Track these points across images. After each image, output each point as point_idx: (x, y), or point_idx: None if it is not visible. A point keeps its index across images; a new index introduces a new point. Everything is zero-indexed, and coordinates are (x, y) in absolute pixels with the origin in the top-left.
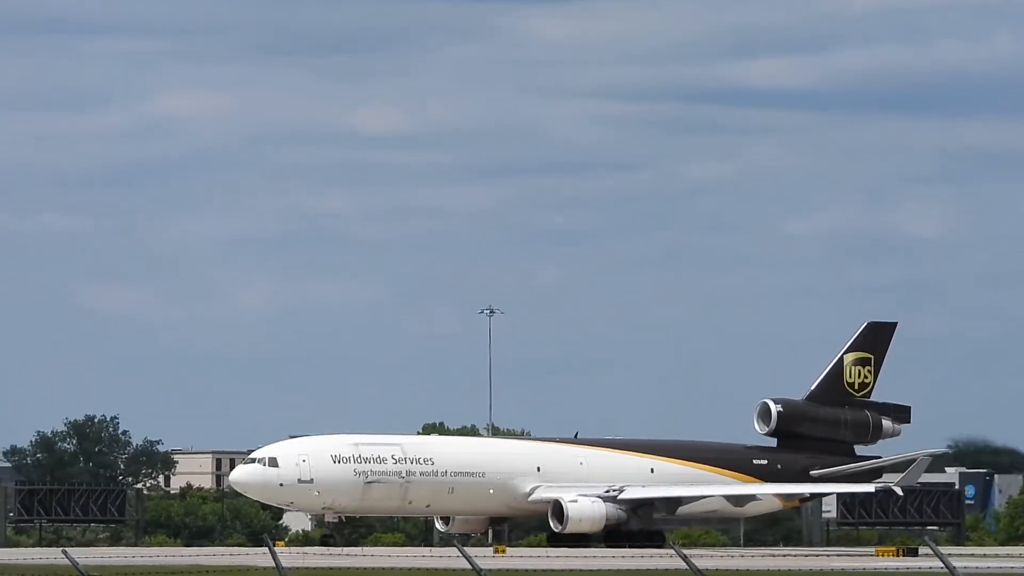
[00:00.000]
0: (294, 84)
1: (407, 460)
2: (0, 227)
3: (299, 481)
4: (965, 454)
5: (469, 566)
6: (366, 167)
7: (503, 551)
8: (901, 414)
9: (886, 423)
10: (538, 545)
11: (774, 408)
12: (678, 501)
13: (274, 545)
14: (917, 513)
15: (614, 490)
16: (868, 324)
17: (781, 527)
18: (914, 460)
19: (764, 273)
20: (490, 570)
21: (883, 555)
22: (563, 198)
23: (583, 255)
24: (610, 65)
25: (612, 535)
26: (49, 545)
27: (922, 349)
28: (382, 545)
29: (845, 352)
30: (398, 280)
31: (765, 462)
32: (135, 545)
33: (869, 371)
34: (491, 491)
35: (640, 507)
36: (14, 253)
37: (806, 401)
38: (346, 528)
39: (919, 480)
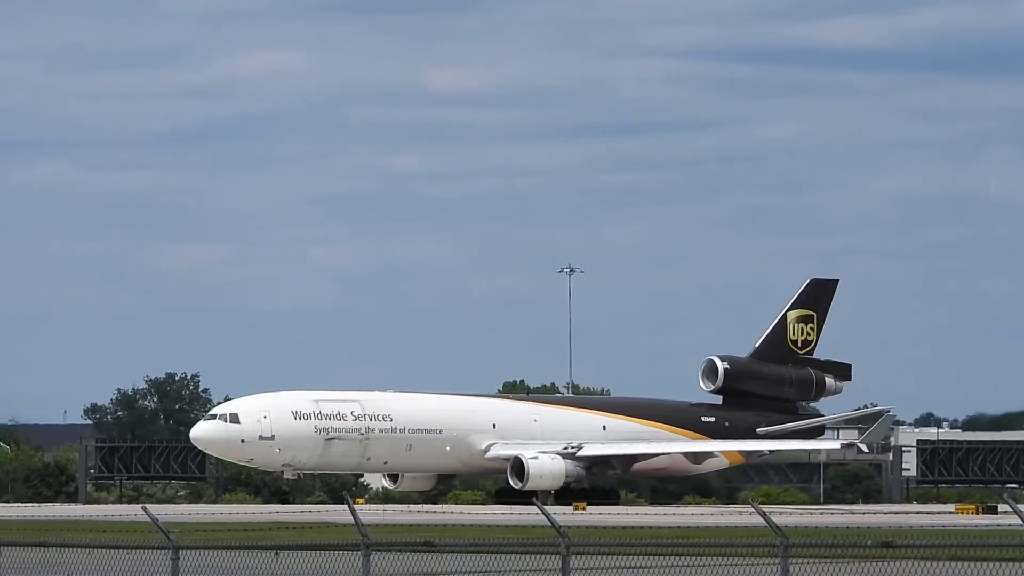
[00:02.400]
0: (369, 43)
1: (366, 417)
2: (79, 184)
3: (260, 438)
4: None
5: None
6: (442, 126)
7: (583, 508)
8: (842, 371)
9: (829, 381)
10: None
11: (721, 365)
12: (634, 458)
13: (354, 502)
14: (997, 471)
15: (572, 447)
16: (811, 281)
17: (861, 485)
18: (854, 417)
19: (837, 233)
20: (570, 527)
21: (963, 512)
22: (636, 158)
23: (660, 214)
24: (683, 25)
25: (562, 493)
26: (129, 502)
27: (992, 310)
28: (461, 503)
29: (788, 309)
30: (476, 239)
31: (713, 419)
32: (215, 502)
33: (812, 328)
34: (448, 448)
35: (595, 464)
36: (94, 211)
37: (751, 358)
38: None
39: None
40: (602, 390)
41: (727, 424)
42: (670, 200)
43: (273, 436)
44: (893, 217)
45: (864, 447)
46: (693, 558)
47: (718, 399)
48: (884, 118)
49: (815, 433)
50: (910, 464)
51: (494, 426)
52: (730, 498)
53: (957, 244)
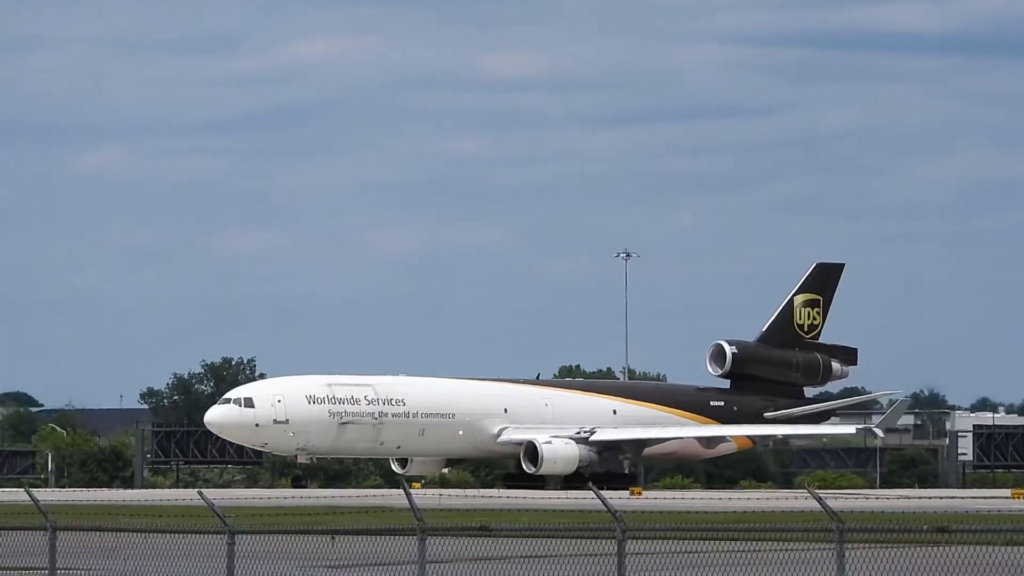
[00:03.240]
0: (430, 29)
1: (379, 401)
2: (138, 171)
3: (275, 422)
4: None
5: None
6: (502, 112)
7: (639, 493)
8: (849, 356)
9: (835, 365)
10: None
11: (728, 350)
12: (646, 443)
13: (410, 487)
14: None
15: (585, 432)
16: (817, 265)
17: (917, 470)
18: (863, 403)
19: (894, 218)
20: (625, 512)
21: (1019, 497)
22: (698, 143)
23: (717, 200)
24: (742, 10)
25: (573, 478)
26: (186, 487)
27: None
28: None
29: (795, 293)
30: (534, 224)
31: (722, 404)
32: (271, 487)
33: (818, 312)
34: (460, 432)
35: (606, 449)
36: (152, 197)
37: (758, 343)
38: (482, 469)
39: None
40: (658, 375)
41: (735, 409)
42: (728, 185)
43: (287, 420)
44: (950, 202)
45: (880, 432)
46: (749, 543)
47: (725, 383)
48: (941, 103)
49: (822, 418)
50: (966, 449)
51: (505, 410)
52: (786, 483)
53: (1015, 228)
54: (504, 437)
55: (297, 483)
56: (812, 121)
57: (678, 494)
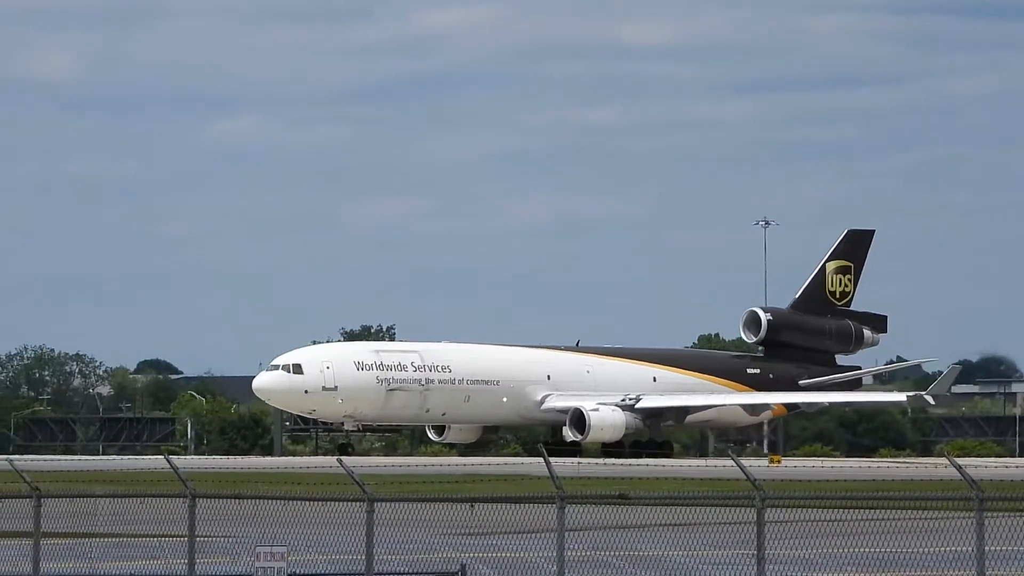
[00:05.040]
0: None
1: (426, 367)
2: (273, 140)
3: (323, 388)
4: None
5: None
6: (635, 80)
7: (778, 461)
8: (879, 324)
9: (867, 332)
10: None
11: (763, 316)
12: (688, 410)
13: (548, 455)
14: None
15: (630, 399)
16: (848, 232)
17: None
18: (891, 370)
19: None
20: (765, 480)
21: None
22: (831, 111)
23: (849, 168)
24: None
25: (611, 445)
26: (325, 454)
27: None
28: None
29: (827, 260)
30: (670, 192)
31: (758, 371)
32: (410, 455)
33: (849, 279)
34: (504, 399)
35: (651, 416)
36: (289, 166)
37: (791, 310)
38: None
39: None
40: None
41: (771, 376)
42: (864, 153)
43: (336, 387)
44: None
45: (931, 399)
46: (887, 511)
47: (758, 350)
48: None
49: (854, 385)
50: None
51: (548, 377)
52: (925, 451)
53: None
54: (548, 404)
55: (344, 451)
56: (942, 90)
57: (817, 462)
